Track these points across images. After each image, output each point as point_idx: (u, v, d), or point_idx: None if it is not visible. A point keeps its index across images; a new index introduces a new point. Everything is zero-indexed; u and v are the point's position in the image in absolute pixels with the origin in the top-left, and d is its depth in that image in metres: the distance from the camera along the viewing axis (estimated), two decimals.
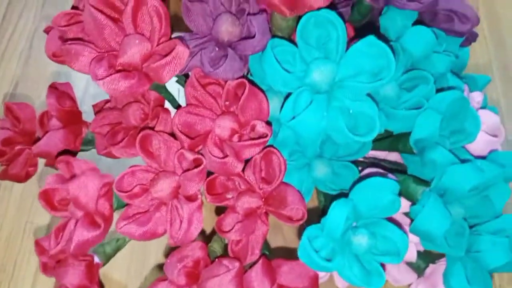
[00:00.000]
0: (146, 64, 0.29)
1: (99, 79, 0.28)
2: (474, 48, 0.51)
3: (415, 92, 0.36)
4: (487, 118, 0.40)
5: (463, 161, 0.35)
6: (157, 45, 0.30)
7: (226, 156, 0.32)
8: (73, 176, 0.34)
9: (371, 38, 0.31)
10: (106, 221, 0.33)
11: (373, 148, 0.37)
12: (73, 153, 0.42)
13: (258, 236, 0.35)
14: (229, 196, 0.35)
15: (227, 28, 0.32)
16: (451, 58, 0.37)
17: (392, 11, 0.37)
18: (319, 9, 0.31)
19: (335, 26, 0.30)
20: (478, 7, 0.40)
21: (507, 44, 0.55)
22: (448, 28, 0.38)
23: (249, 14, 0.32)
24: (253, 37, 0.31)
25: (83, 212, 0.33)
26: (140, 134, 0.33)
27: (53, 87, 0.42)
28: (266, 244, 0.38)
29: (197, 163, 0.32)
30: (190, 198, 0.32)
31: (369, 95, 0.33)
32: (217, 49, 0.32)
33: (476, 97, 0.40)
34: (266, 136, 0.32)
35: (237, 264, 0.33)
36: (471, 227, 0.35)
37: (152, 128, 0.34)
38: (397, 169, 0.38)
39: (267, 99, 0.33)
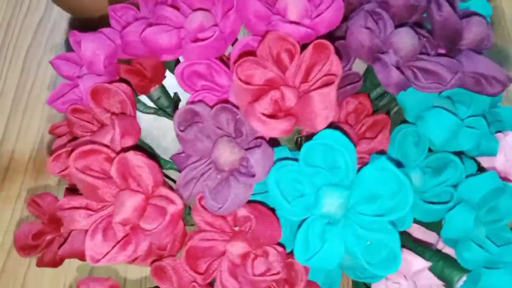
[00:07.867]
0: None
1: (97, 261, 0.27)
2: None
3: (442, 177, 0.33)
4: None
5: None
6: (151, 196, 0.29)
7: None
8: None
9: (383, 162, 0.27)
10: None
11: None
12: None
13: None
14: None
15: (227, 158, 0.30)
16: (476, 131, 0.33)
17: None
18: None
19: (342, 153, 0.27)
20: None
21: None
22: (478, 91, 0.34)
23: (247, 149, 0.29)
24: (253, 176, 0.28)
25: None
26: (154, 265, 0.32)
27: None
28: None
29: None
30: None
31: None
32: (219, 176, 0.30)
33: None
34: (278, 273, 0.31)
35: None
36: None
37: None
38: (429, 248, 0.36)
39: (278, 221, 0.31)
